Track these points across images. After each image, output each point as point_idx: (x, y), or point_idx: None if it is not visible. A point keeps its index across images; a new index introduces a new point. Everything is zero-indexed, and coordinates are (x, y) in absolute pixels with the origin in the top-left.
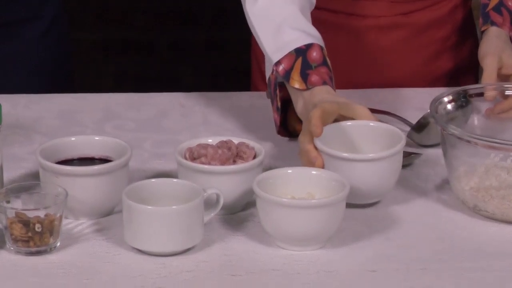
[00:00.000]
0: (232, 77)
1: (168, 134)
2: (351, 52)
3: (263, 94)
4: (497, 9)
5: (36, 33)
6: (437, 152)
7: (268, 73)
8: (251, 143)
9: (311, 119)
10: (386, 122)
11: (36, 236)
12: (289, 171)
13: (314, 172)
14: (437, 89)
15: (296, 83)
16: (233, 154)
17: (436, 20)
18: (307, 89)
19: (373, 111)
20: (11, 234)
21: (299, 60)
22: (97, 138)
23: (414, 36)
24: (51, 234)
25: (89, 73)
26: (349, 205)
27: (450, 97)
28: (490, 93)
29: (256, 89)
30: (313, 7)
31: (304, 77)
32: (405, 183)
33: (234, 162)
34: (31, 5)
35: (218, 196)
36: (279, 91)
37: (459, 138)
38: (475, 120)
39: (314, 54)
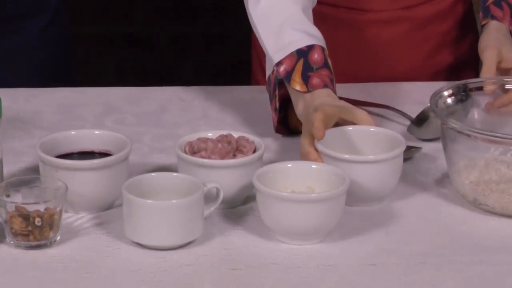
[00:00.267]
0: (232, 71)
1: (168, 128)
2: (352, 46)
3: (263, 88)
4: (497, 3)
5: (37, 28)
6: (437, 146)
7: (268, 72)
8: (251, 137)
9: (314, 122)
10: (386, 116)
11: (36, 230)
12: (289, 165)
13: (314, 166)
14: (438, 83)
15: (297, 85)
16: (233, 148)
17: (437, 14)
18: (308, 91)
19: (373, 105)
20: (11, 228)
21: (301, 62)
22: (97, 132)
23: (415, 30)
24: (51, 228)
25: (90, 67)
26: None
27: (450, 91)
28: (489, 87)
29: (257, 82)
30: (315, 4)
31: (305, 79)
32: (405, 177)
33: (234, 156)
34: (32, 0)
35: (218, 190)
36: (279, 89)
37: (459, 132)
38: (475, 114)
39: (316, 56)
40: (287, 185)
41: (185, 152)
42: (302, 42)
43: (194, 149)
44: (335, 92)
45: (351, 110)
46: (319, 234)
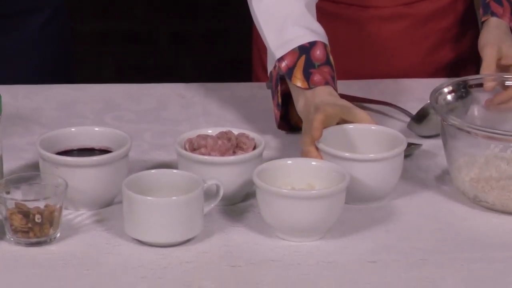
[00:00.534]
0: (232, 68)
1: (168, 125)
2: (352, 43)
3: (263, 84)
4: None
5: (37, 25)
6: (437, 143)
7: (270, 67)
8: (251, 134)
9: (313, 121)
10: (386, 113)
11: (36, 227)
12: (289, 162)
13: (314, 163)
14: (438, 79)
15: (298, 81)
16: (233, 145)
17: (437, 11)
18: (309, 88)
19: (373, 102)
20: (11, 225)
21: (302, 58)
22: (97, 129)
23: (416, 27)
24: (51, 225)
25: (90, 64)
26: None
27: (450, 88)
28: (489, 84)
29: (257, 79)
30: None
31: (307, 76)
32: (405, 174)
33: (234, 153)
34: None
35: (218, 187)
36: (281, 85)
37: (459, 128)
38: (475, 110)
39: (318, 53)
40: (287, 182)
41: (185, 149)
42: (305, 38)
43: (194, 146)
44: (336, 90)
45: (352, 110)
46: (319, 231)
